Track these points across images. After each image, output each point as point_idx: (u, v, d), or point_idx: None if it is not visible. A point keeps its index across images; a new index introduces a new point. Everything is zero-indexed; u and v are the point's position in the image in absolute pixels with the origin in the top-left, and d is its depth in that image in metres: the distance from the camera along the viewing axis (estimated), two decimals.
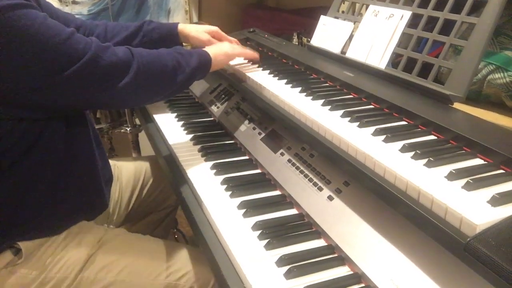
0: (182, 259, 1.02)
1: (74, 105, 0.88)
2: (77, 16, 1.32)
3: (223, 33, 1.28)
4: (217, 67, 1.09)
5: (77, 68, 0.78)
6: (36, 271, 0.90)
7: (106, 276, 0.94)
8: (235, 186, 0.94)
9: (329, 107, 0.91)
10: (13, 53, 0.72)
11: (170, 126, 1.29)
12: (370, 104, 0.94)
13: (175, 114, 1.36)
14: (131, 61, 0.86)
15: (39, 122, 0.83)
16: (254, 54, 1.20)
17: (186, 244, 1.18)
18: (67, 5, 1.83)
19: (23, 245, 0.88)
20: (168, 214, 1.43)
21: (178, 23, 1.27)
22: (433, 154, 0.69)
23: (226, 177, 0.98)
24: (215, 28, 1.27)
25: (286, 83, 1.07)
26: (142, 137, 1.70)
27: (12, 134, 0.80)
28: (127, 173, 1.27)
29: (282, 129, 1.04)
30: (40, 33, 0.74)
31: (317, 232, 0.80)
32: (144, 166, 1.32)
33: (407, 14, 1.03)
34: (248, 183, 0.96)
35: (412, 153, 0.70)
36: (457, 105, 0.89)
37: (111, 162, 1.15)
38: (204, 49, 1.08)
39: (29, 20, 0.73)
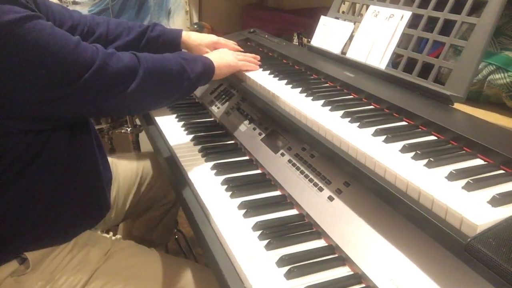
0: (187, 277, 1.02)
1: (82, 114, 0.87)
2: None
3: (223, 42, 1.29)
4: (219, 77, 1.10)
5: (87, 77, 0.77)
6: (42, 281, 0.89)
7: None
8: (236, 187, 0.94)
9: (329, 107, 0.91)
10: (24, 66, 0.71)
11: (171, 127, 1.29)
12: (371, 105, 0.94)
13: (176, 114, 1.36)
14: (137, 67, 0.86)
15: (44, 133, 0.83)
16: (256, 67, 1.20)
17: (193, 262, 1.18)
18: (67, 5, 1.83)
19: (29, 255, 0.87)
20: (167, 211, 1.42)
21: (182, 30, 1.28)
22: (433, 155, 0.69)
23: (227, 178, 0.98)
24: (216, 39, 1.29)
25: (287, 84, 1.07)
26: (143, 137, 1.71)
27: (17, 147, 0.79)
28: (125, 170, 1.27)
29: (282, 129, 1.04)
30: (50, 45, 0.73)
31: (317, 232, 0.80)
32: (142, 163, 1.32)
33: (407, 14, 1.03)
34: (248, 184, 0.96)
35: (413, 153, 0.70)
36: (457, 106, 0.89)
37: (108, 159, 1.14)
38: (207, 55, 1.09)
39: (38, 33, 0.71)
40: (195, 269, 1.05)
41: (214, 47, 1.28)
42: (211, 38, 1.29)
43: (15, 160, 0.80)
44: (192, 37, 1.27)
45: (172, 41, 1.24)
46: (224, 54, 1.15)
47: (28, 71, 0.71)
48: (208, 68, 1.04)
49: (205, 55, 1.10)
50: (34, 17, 0.73)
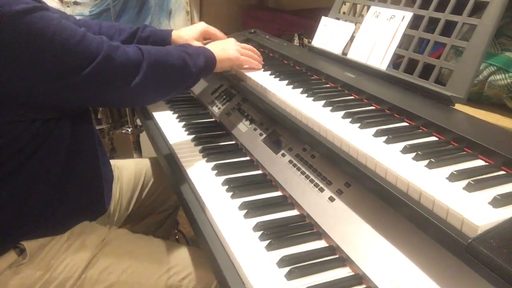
0: (185, 260, 1.02)
1: (85, 104, 0.89)
2: (78, 17, 1.32)
3: (212, 31, 1.29)
4: (219, 70, 1.10)
5: (92, 68, 0.79)
6: (40, 271, 0.90)
7: (109, 277, 0.95)
8: (236, 187, 0.94)
9: (330, 108, 0.91)
10: (30, 56, 0.72)
11: (171, 127, 1.29)
12: (371, 105, 0.94)
13: (176, 114, 1.36)
14: (141, 60, 0.87)
15: (49, 122, 0.84)
16: (259, 66, 1.19)
17: (189, 246, 1.18)
18: (68, 6, 1.83)
19: (27, 245, 0.88)
20: (168, 216, 1.43)
21: (172, 30, 1.29)
22: (434, 155, 0.69)
23: (227, 178, 0.98)
24: (204, 28, 1.29)
25: (287, 84, 1.07)
26: (143, 137, 1.71)
27: (22, 136, 0.81)
28: (128, 174, 1.27)
29: (283, 130, 1.04)
30: (57, 35, 0.74)
31: (318, 233, 0.80)
32: (144, 167, 1.33)
33: (408, 15, 1.03)
34: (249, 184, 0.96)
35: (414, 154, 0.70)
36: (458, 106, 0.89)
37: (111, 162, 1.15)
38: (209, 47, 1.08)
39: (45, 23, 0.73)
40: (193, 252, 1.05)
41: (204, 37, 1.29)
42: (199, 28, 1.29)
43: (19, 150, 0.82)
44: (182, 35, 1.27)
45: (162, 42, 1.25)
46: (227, 47, 1.13)
47: (34, 60, 0.73)
48: (210, 62, 1.04)
49: (207, 46, 1.10)
50: (42, 8, 0.75)
